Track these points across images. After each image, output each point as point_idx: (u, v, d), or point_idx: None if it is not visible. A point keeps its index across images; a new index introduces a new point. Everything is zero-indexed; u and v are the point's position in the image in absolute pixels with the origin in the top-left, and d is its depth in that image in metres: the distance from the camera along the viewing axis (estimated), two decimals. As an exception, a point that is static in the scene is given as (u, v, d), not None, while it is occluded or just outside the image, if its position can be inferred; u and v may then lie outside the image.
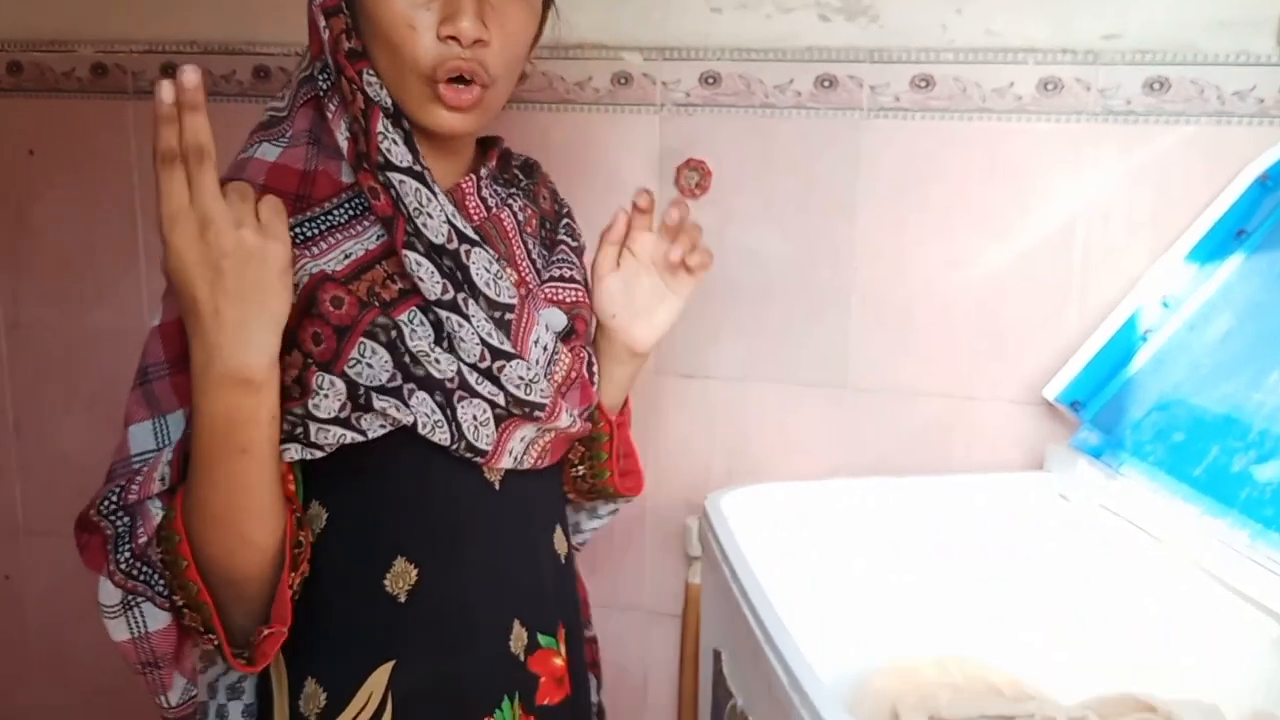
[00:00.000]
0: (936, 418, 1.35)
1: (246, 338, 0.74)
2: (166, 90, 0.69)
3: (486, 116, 0.89)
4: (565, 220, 1.06)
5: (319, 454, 0.82)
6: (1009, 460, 1.31)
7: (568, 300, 0.99)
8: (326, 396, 0.80)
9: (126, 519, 0.82)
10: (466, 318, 0.86)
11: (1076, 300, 1.28)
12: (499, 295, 0.88)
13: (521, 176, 1.03)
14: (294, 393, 0.81)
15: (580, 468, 1.05)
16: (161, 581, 0.82)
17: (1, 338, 1.66)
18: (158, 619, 0.84)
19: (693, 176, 1.38)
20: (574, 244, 1.05)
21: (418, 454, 0.86)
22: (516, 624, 0.94)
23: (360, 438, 0.83)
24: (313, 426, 0.81)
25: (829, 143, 1.33)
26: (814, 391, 1.39)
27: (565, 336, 0.96)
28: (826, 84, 1.32)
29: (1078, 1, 1.24)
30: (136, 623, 0.84)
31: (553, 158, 1.39)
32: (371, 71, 0.85)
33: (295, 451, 0.82)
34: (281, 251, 0.75)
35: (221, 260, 0.72)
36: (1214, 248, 1.15)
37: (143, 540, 0.80)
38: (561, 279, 1.00)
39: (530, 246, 0.99)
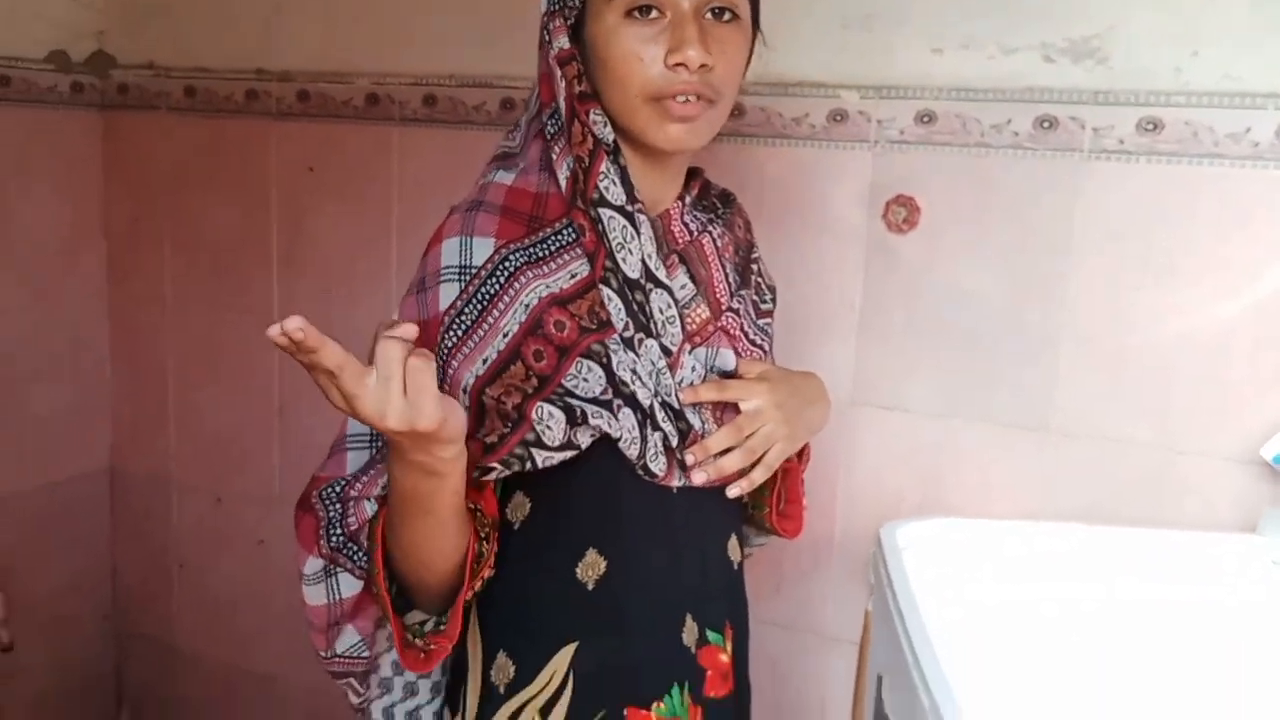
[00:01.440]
0: (1146, 469, 1.30)
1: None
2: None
3: (710, 132, 0.96)
4: (757, 255, 1.12)
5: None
6: (1223, 520, 1.24)
7: (756, 343, 1.06)
8: (550, 428, 0.89)
9: (339, 507, 0.94)
10: (638, 356, 0.94)
11: (1310, 358, 1.21)
12: (665, 339, 0.96)
13: (720, 205, 1.10)
14: (511, 419, 0.89)
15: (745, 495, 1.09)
16: (364, 558, 0.93)
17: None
18: (352, 585, 0.96)
19: (900, 212, 1.40)
20: (769, 283, 1.13)
21: (613, 460, 0.94)
22: (689, 617, 1.00)
23: (576, 452, 0.91)
24: (539, 455, 0.89)
25: (1047, 184, 1.32)
26: (1017, 434, 1.37)
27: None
28: (1046, 125, 1.31)
29: (1330, 44, 1.18)
30: (333, 589, 0.96)
31: (767, 190, 1.46)
32: (599, 110, 0.94)
33: (513, 470, 0.90)
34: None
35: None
36: None
37: (353, 528, 0.93)
38: (760, 313, 1.09)
39: (727, 271, 1.06)
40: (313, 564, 0.96)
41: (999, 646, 1.11)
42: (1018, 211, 1.34)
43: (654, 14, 0.91)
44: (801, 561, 1.50)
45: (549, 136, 0.97)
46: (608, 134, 0.94)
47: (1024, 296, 1.35)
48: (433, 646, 0.93)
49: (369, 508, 0.93)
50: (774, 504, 1.11)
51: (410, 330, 0.74)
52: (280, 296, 1.89)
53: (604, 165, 0.94)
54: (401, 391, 0.73)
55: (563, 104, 0.95)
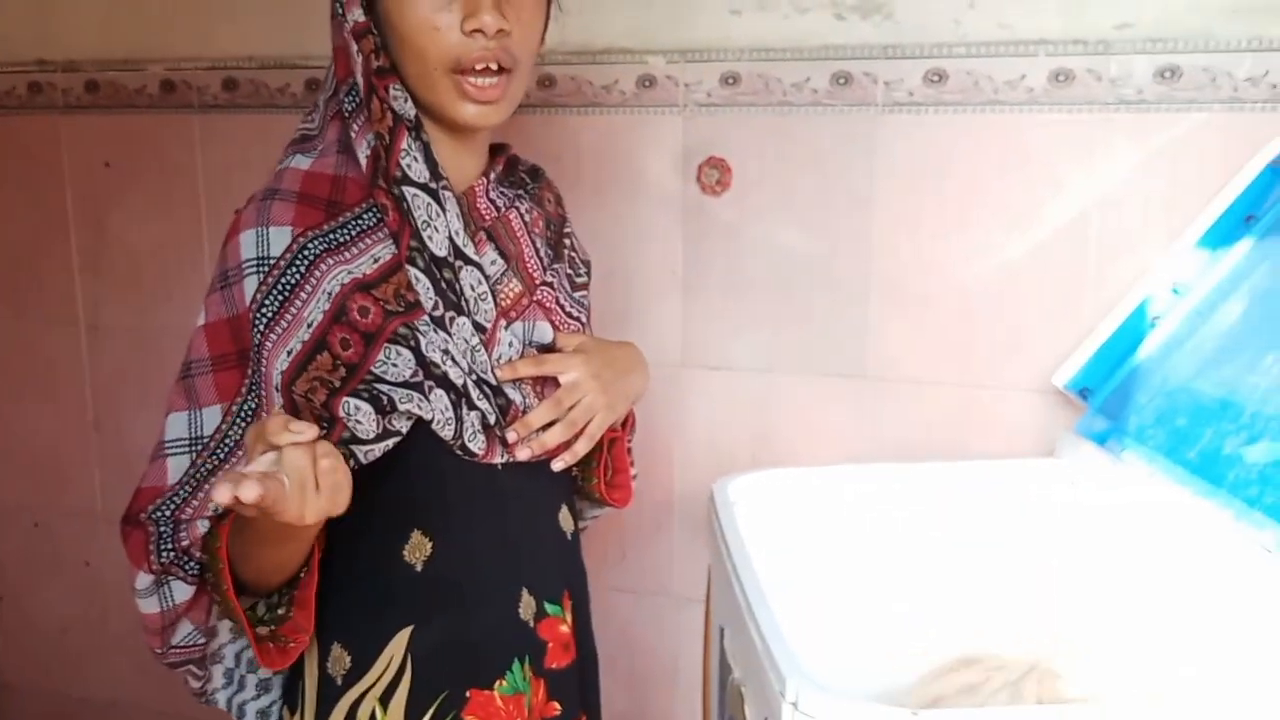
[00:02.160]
0: (954, 407, 1.37)
1: None
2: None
3: (511, 106, 0.95)
4: (569, 229, 1.13)
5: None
6: (1024, 448, 1.32)
7: (573, 315, 1.06)
8: (360, 422, 0.88)
9: (170, 526, 0.92)
10: (450, 335, 0.93)
11: (1092, 289, 1.29)
12: (478, 315, 0.95)
13: (529, 180, 1.09)
14: (324, 421, 0.88)
15: (574, 468, 1.08)
16: (196, 568, 0.92)
17: (83, 339, 1.79)
18: (185, 591, 0.94)
19: (713, 174, 1.43)
20: (583, 257, 1.13)
21: (432, 441, 0.93)
22: (525, 592, 1.00)
23: (400, 438, 0.91)
24: (360, 451, 0.88)
25: (845, 138, 1.37)
26: (834, 382, 1.42)
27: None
28: (842, 81, 1.36)
29: (1091, -8, 1.26)
30: (166, 598, 0.94)
31: (582, 159, 1.46)
32: (399, 85, 0.92)
33: None
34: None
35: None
36: (1224, 234, 1.16)
37: (185, 544, 0.91)
38: (575, 286, 1.09)
39: (538, 245, 1.05)
40: (144, 579, 0.94)
41: (828, 586, 1.16)
42: (822, 167, 1.38)
43: None
44: (644, 526, 1.53)
45: (347, 114, 0.95)
46: (408, 109, 0.93)
47: (833, 249, 1.39)
48: (291, 644, 0.92)
49: (202, 526, 0.91)
50: (601, 475, 1.12)
51: (311, 431, 0.75)
52: (84, 299, 1.78)
53: (405, 142, 0.92)
54: (315, 492, 0.76)
55: (360, 79, 0.93)
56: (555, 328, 1.03)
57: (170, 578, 0.93)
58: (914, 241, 1.36)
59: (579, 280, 1.12)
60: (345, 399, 0.88)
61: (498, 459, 0.97)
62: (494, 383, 0.96)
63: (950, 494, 1.20)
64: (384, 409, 0.89)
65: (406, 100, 0.93)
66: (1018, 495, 1.20)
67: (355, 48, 0.93)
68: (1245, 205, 1.15)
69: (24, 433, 1.86)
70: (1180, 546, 0.99)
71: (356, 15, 0.93)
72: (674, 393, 1.47)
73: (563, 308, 1.06)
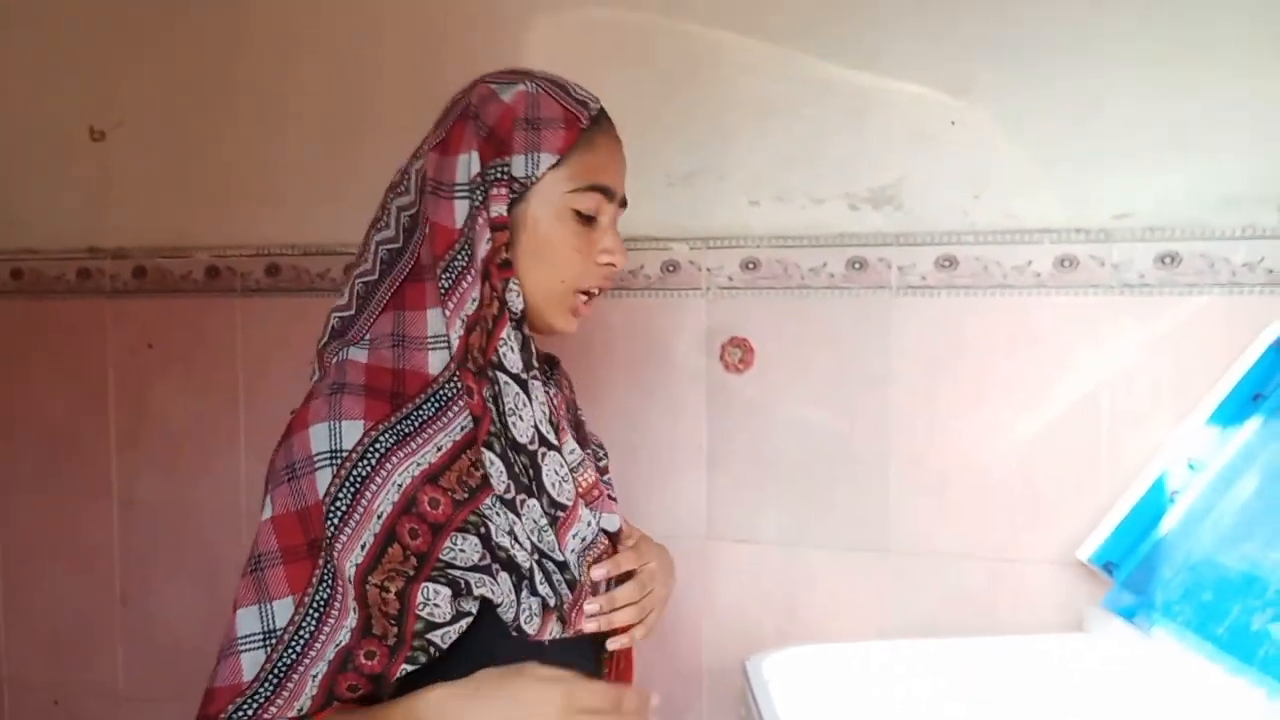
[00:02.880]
0: (977, 580, 1.38)
1: None
2: None
3: None
4: (583, 415, 1.19)
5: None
6: (1050, 621, 1.33)
7: (612, 499, 1.10)
8: (438, 605, 0.91)
9: None
10: (519, 516, 0.96)
11: (1106, 464, 1.32)
12: (559, 495, 0.99)
13: (549, 368, 1.15)
14: (393, 615, 0.91)
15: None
16: None
17: (115, 514, 1.82)
18: None
19: (736, 353, 1.49)
20: (596, 441, 1.18)
21: (489, 618, 0.95)
22: None
23: (471, 618, 0.93)
24: (436, 636, 0.91)
25: (861, 319, 1.43)
26: (859, 556, 1.44)
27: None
28: (857, 266, 1.43)
29: (1089, 185, 1.34)
30: None
31: (611, 338, 1.53)
32: (515, 280, 0.98)
33: (420, 664, 0.92)
34: None
35: None
36: (1234, 412, 1.20)
37: None
38: (600, 470, 1.13)
39: (568, 430, 1.10)
40: None
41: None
42: (839, 346, 1.44)
43: (593, 220, 1.01)
44: (674, 700, 1.51)
45: (442, 293, 0.97)
46: (519, 304, 0.98)
47: (851, 426, 1.44)
48: None
49: None
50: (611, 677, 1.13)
51: (656, 700, 0.91)
52: (120, 475, 1.82)
53: (506, 331, 0.97)
54: None
55: (479, 265, 0.97)
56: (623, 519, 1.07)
57: None
58: (930, 419, 1.40)
59: (602, 463, 1.16)
60: (423, 585, 0.91)
61: (548, 637, 0.99)
62: (560, 558, 0.98)
63: (979, 669, 1.20)
64: (460, 591, 0.92)
65: (519, 296, 0.98)
66: (1046, 670, 1.20)
67: (488, 236, 0.97)
68: (1252, 384, 1.19)
69: (49, 606, 1.87)
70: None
71: (500, 209, 0.97)
72: (700, 565, 1.49)
73: (606, 493, 1.10)
